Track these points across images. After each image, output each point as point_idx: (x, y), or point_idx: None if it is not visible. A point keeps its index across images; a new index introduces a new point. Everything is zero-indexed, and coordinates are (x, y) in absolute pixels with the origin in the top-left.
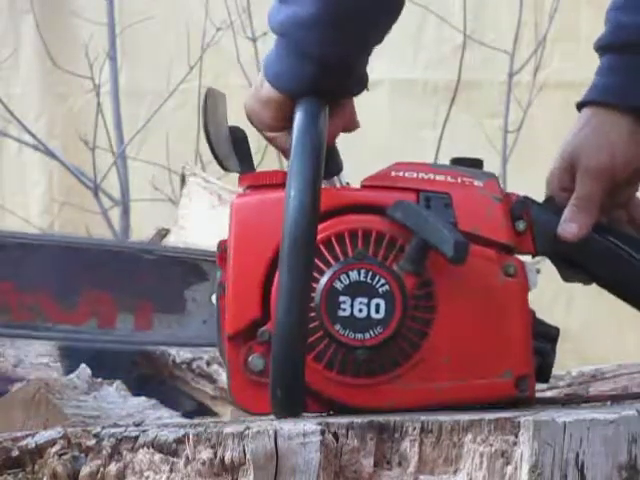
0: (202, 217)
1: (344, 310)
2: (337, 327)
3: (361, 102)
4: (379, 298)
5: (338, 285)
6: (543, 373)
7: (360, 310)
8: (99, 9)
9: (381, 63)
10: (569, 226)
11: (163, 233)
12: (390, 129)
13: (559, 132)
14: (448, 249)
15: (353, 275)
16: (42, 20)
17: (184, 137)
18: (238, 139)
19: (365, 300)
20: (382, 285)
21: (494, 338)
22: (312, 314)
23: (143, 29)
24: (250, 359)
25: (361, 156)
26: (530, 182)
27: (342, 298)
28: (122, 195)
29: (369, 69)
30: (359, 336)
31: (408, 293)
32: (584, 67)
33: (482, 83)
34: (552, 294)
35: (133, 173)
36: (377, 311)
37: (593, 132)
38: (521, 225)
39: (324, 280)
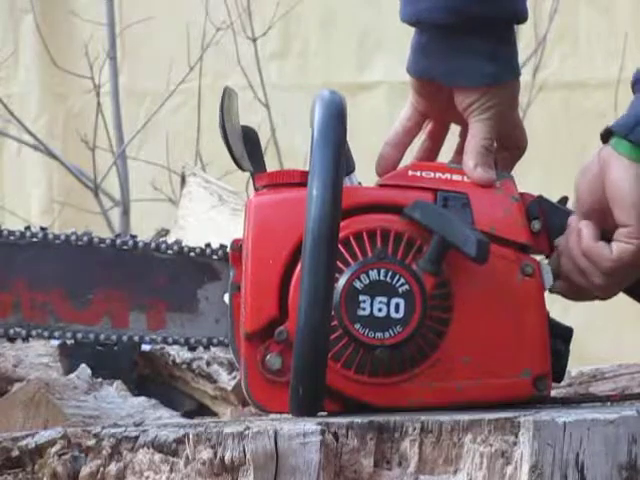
0: (202, 217)
1: (364, 309)
2: (357, 326)
3: (359, 104)
4: (399, 297)
5: (358, 284)
6: (557, 373)
7: (380, 309)
8: (99, 9)
9: (379, 65)
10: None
11: (163, 233)
12: (389, 131)
13: (559, 132)
14: (470, 249)
15: (373, 274)
16: (42, 20)
17: (184, 137)
18: (251, 139)
19: (385, 299)
20: (402, 285)
21: (512, 337)
22: (332, 313)
23: (143, 29)
24: (267, 358)
25: (360, 158)
26: (530, 182)
27: (362, 297)
28: (122, 195)
29: (367, 71)
30: (379, 335)
31: (427, 293)
32: (584, 67)
33: None
34: (549, 294)
35: (133, 173)
36: (397, 310)
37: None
38: (537, 225)
39: (344, 279)
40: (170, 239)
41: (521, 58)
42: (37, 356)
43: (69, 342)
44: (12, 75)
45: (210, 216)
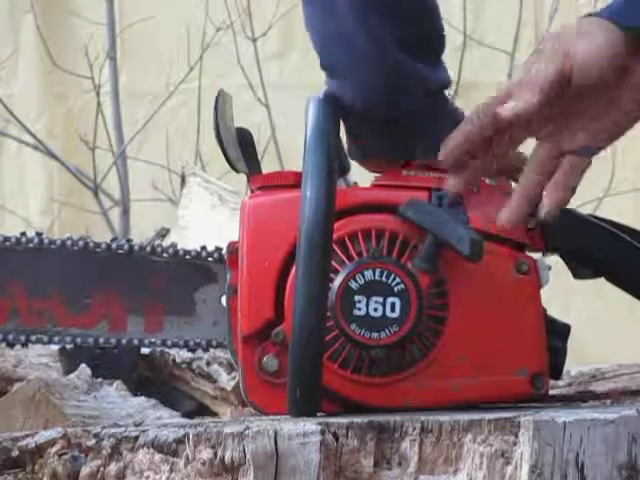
0: (202, 217)
1: (359, 309)
2: (353, 326)
3: None
4: (394, 297)
5: (353, 285)
6: (555, 370)
7: (375, 309)
8: (99, 9)
9: None
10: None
11: (163, 233)
12: None
13: None
14: (464, 247)
15: (368, 274)
16: (42, 20)
17: (184, 137)
18: (245, 140)
19: (380, 299)
20: (397, 284)
21: (509, 336)
22: (327, 314)
23: (143, 29)
24: (264, 359)
25: None
26: None
27: (357, 297)
28: (122, 195)
29: None
30: (375, 335)
31: (423, 292)
32: None
33: (482, 84)
34: (549, 293)
35: (133, 173)
36: (392, 310)
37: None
38: (532, 222)
39: (339, 280)
40: (169, 239)
41: (521, 58)
42: (37, 356)
43: (68, 347)
44: (12, 75)
45: (210, 216)
